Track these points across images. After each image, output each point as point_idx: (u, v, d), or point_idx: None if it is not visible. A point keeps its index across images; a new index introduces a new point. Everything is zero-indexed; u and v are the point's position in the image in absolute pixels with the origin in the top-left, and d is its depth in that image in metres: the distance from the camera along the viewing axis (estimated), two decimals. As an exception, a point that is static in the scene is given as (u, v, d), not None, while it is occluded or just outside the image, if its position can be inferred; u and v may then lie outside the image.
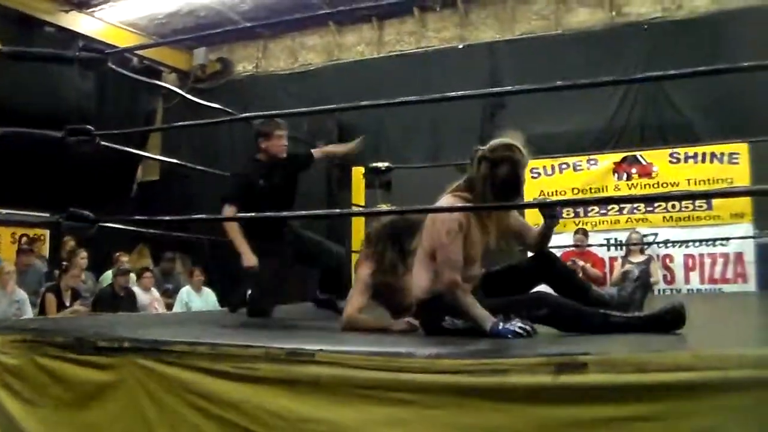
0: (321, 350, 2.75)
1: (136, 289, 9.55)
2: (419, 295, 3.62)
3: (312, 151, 6.12)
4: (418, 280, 3.64)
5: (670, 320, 3.22)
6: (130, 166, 13.13)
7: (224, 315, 6.14)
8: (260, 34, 13.22)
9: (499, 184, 3.55)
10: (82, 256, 9.44)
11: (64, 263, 9.32)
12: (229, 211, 5.48)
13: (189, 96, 5.75)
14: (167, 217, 4.62)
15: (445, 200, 3.65)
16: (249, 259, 5.28)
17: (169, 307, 10.01)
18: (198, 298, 9.99)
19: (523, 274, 3.75)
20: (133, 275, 9.95)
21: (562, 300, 3.47)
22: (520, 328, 3.20)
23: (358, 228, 9.29)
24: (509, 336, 3.18)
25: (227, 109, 5.78)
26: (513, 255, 4.48)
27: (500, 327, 3.22)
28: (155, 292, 9.97)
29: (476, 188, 3.61)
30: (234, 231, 5.36)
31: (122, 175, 12.95)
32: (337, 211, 9.51)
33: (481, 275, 3.73)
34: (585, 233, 9.50)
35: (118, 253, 10.41)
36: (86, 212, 3.87)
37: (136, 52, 12.25)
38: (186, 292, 10.02)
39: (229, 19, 12.32)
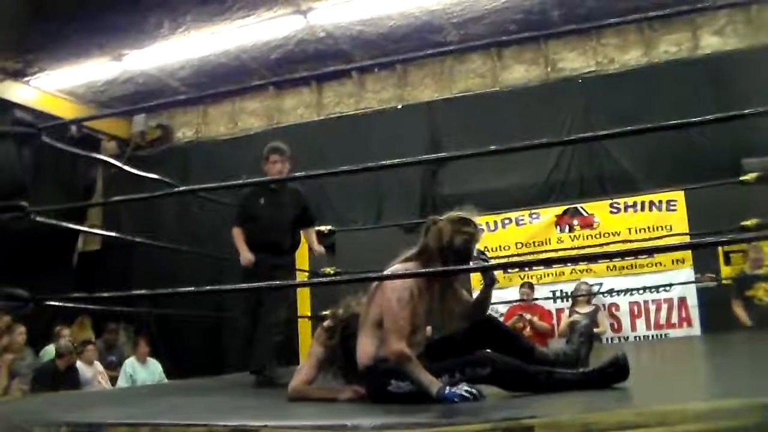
0: (266, 426, 2.70)
1: (78, 364, 9.27)
2: (364, 362, 3.60)
3: (310, 220, 6.86)
4: (363, 346, 3.62)
5: (614, 373, 3.25)
6: (70, 237, 12.91)
7: (169, 387, 6.03)
8: (200, 99, 13.19)
9: (453, 256, 3.57)
10: (20, 332, 9.19)
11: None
12: (235, 231, 6.36)
13: (127, 168, 5.65)
14: (106, 294, 4.51)
15: (397, 268, 3.66)
16: (246, 257, 6.09)
17: (113, 380, 9.75)
18: (143, 369, 9.75)
19: (467, 340, 3.74)
20: (52, 348, 9.67)
21: (506, 359, 3.47)
22: (466, 391, 3.18)
23: (303, 294, 9.23)
24: (456, 400, 3.16)
25: (166, 180, 5.72)
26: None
27: (446, 391, 3.20)
28: (98, 366, 9.67)
29: (430, 257, 3.63)
30: (238, 238, 6.30)
31: (62, 246, 12.71)
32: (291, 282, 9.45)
33: (425, 341, 3.73)
34: (531, 286, 9.54)
35: (58, 327, 10.16)
36: (20, 291, 3.76)
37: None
38: (130, 364, 9.76)
39: (168, 85, 12.29)
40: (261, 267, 6.03)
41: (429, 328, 4.28)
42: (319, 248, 6.86)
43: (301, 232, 6.69)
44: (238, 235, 6.32)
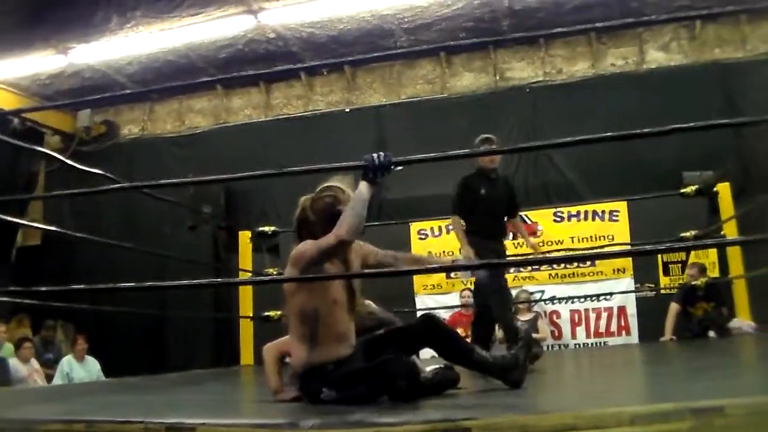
0: (203, 424, 2.68)
1: (13, 362, 9.10)
2: (297, 369, 3.60)
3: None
4: (295, 350, 3.62)
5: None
6: (8, 231, 12.66)
7: (107, 385, 5.95)
8: (147, 96, 13.06)
9: (321, 221, 3.71)
10: (-46, 329, 9.02)
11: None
12: (453, 218, 6.40)
13: (71, 162, 5.58)
14: (43, 288, 4.44)
15: (301, 246, 3.68)
16: (467, 251, 6.09)
17: (50, 378, 9.59)
18: (81, 368, 9.59)
19: (408, 338, 3.76)
20: (10, 345, 9.53)
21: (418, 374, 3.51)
22: None
23: (246, 294, 9.20)
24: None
25: (110, 176, 5.66)
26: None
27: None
28: (35, 363, 9.51)
29: (308, 230, 3.77)
30: (458, 230, 6.31)
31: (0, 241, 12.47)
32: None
33: (363, 341, 3.75)
34: (472, 292, 9.59)
35: (-6, 324, 9.98)
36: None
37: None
38: (67, 362, 9.60)
39: (114, 81, 12.14)
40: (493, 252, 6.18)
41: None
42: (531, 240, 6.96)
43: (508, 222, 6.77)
44: (457, 224, 6.36)
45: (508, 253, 9.73)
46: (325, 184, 3.86)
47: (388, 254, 4.02)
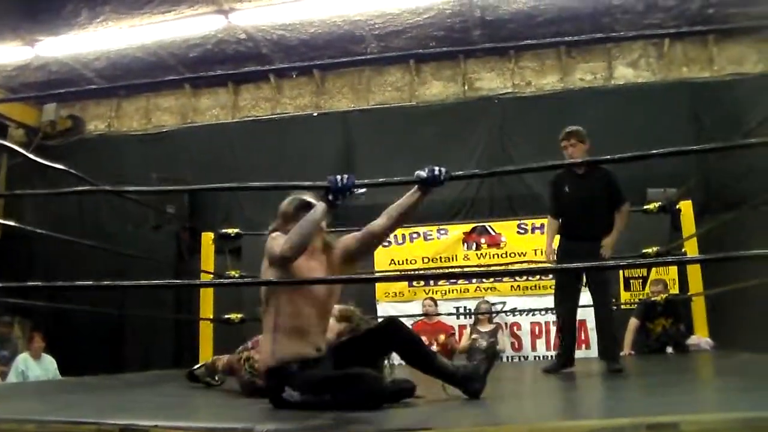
0: (156, 426, 2.66)
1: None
2: (264, 364, 3.61)
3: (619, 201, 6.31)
4: (263, 344, 3.65)
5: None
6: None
7: (62, 384, 5.88)
8: (114, 92, 12.95)
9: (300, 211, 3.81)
10: None
11: None
12: (549, 219, 6.42)
13: (33, 157, 5.50)
14: (1, 284, 4.38)
15: (270, 240, 3.70)
16: (547, 253, 6.33)
17: (4, 375, 9.43)
18: (37, 366, 9.43)
19: (373, 342, 3.78)
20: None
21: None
22: None
23: (207, 296, 9.15)
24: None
25: (74, 172, 5.60)
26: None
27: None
28: (-12, 360, 9.39)
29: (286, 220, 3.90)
30: (546, 232, 6.52)
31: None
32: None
33: (335, 342, 3.79)
34: (434, 301, 9.61)
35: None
36: None
37: (-21, 105, 11.78)
38: (23, 359, 9.42)
39: (82, 75, 12.02)
40: (576, 256, 5.80)
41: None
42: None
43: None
44: (547, 226, 6.44)
45: (470, 262, 9.91)
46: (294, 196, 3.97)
47: (365, 230, 4.01)
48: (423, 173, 3.74)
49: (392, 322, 3.89)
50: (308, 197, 3.90)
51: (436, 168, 3.63)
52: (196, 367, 5.38)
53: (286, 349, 3.55)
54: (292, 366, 3.50)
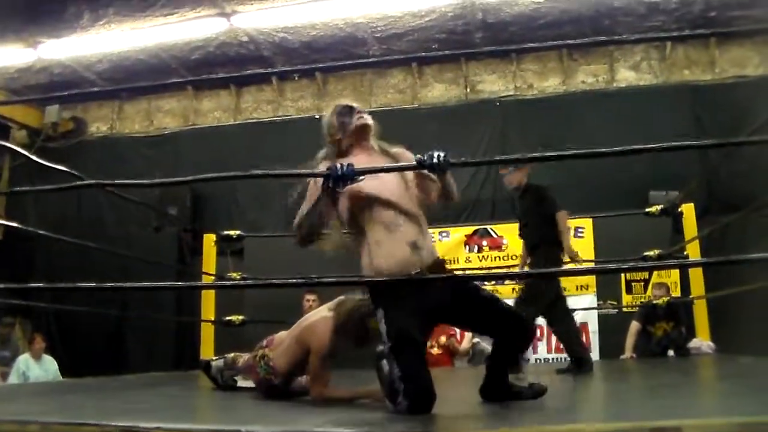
0: (158, 428, 2.65)
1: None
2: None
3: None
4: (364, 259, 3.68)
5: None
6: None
7: (63, 386, 5.88)
8: (116, 94, 12.96)
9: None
10: None
11: None
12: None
13: (35, 158, 5.51)
14: (3, 285, 4.38)
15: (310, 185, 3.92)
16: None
17: (5, 376, 9.45)
18: (37, 367, 9.44)
19: (491, 319, 3.64)
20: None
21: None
22: None
23: (208, 297, 9.13)
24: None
25: (76, 173, 5.59)
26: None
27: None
28: (-11, 361, 9.40)
29: None
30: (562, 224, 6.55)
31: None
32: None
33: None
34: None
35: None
36: None
37: (-18, 106, 11.78)
38: (24, 360, 9.44)
39: (84, 77, 12.03)
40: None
41: None
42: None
43: None
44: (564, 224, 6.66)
45: (471, 265, 9.91)
46: None
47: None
48: (422, 156, 3.72)
49: (531, 321, 3.88)
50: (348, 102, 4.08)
51: (435, 153, 3.59)
52: (215, 358, 5.35)
53: (383, 260, 3.56)
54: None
